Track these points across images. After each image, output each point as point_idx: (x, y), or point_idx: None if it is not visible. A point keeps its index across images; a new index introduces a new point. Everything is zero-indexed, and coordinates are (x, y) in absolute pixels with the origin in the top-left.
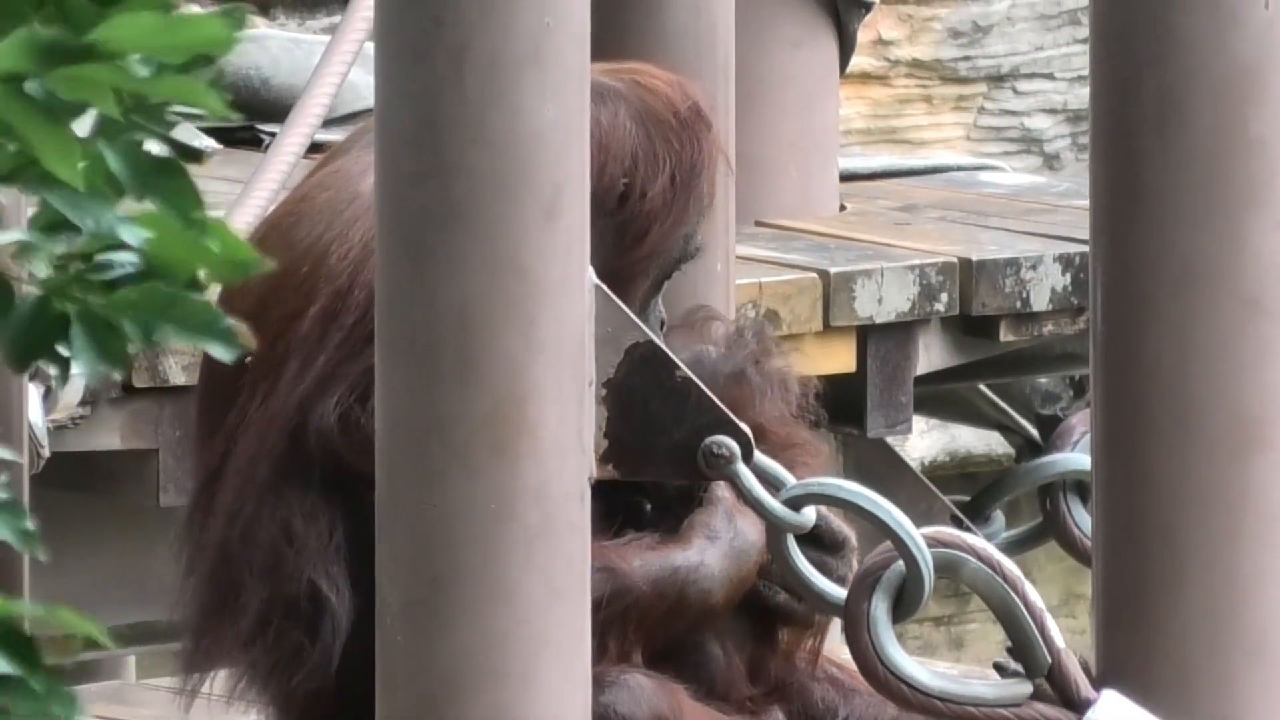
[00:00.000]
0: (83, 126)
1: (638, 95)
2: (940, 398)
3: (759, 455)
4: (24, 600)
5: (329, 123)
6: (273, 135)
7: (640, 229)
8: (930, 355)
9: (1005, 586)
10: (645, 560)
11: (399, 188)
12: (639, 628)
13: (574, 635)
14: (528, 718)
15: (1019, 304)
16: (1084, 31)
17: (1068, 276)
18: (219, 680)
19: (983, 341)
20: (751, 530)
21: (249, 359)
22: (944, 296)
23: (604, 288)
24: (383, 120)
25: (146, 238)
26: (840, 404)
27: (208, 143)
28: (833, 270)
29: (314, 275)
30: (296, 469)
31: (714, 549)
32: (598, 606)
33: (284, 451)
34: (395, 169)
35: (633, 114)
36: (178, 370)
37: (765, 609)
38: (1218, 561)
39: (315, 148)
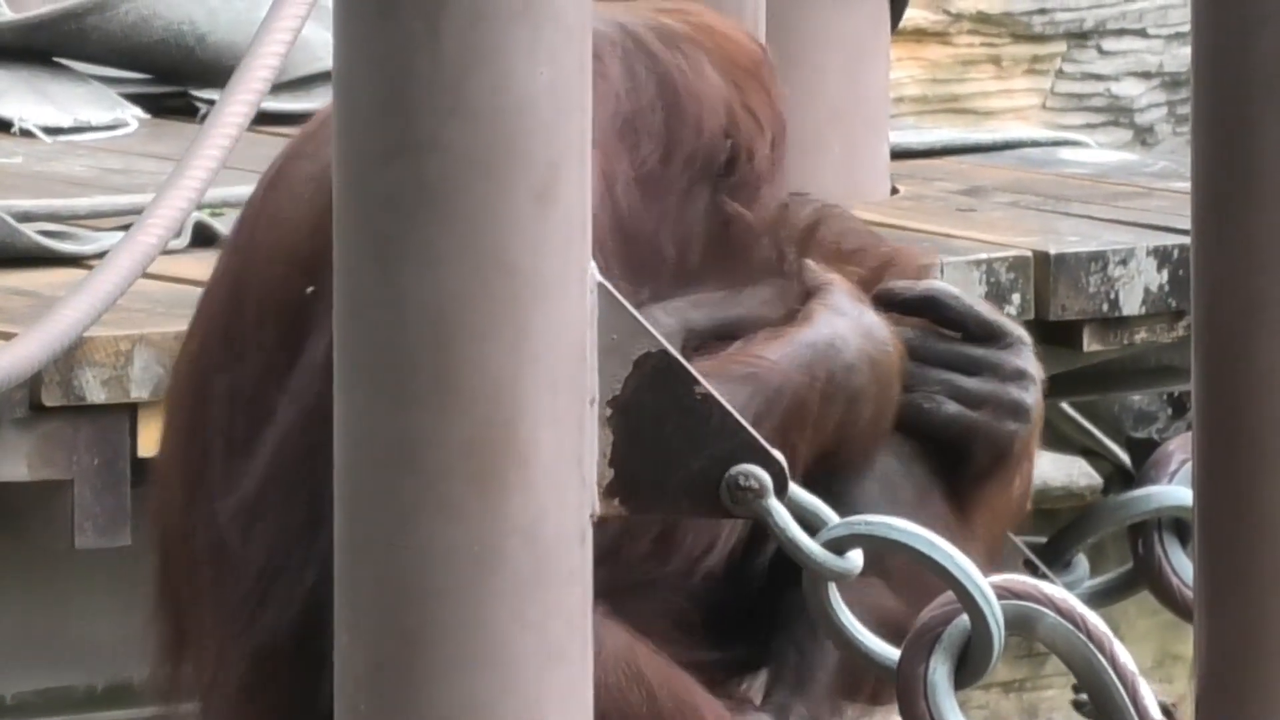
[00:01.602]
0: None
1: (714, 42)
2: None
3: (795, 489)
4: None
5: (278, 88)
6: (211, 103)
7: (749, 198)
8: None
9: (1089, 646)
10: (777, 348)
11: (362, 168)
12: (803, 429)
13: (574, 705)
14: None
15: (1106, 306)
16: None
17: (1164, 274)
18: None
19: (1063, 351)
20: (876, 314)
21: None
22: (1016, 298)
23: (608, 286)
24: (343, 87)
25: None
26: None
27: (132, 111)
28: None
29: None
30: None
31: (843, 321)
32: (757, 422)
33: None
34: (357, 146)
35: (716, 64)
36: (96, 385)
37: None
38: None
39: (263, 118)
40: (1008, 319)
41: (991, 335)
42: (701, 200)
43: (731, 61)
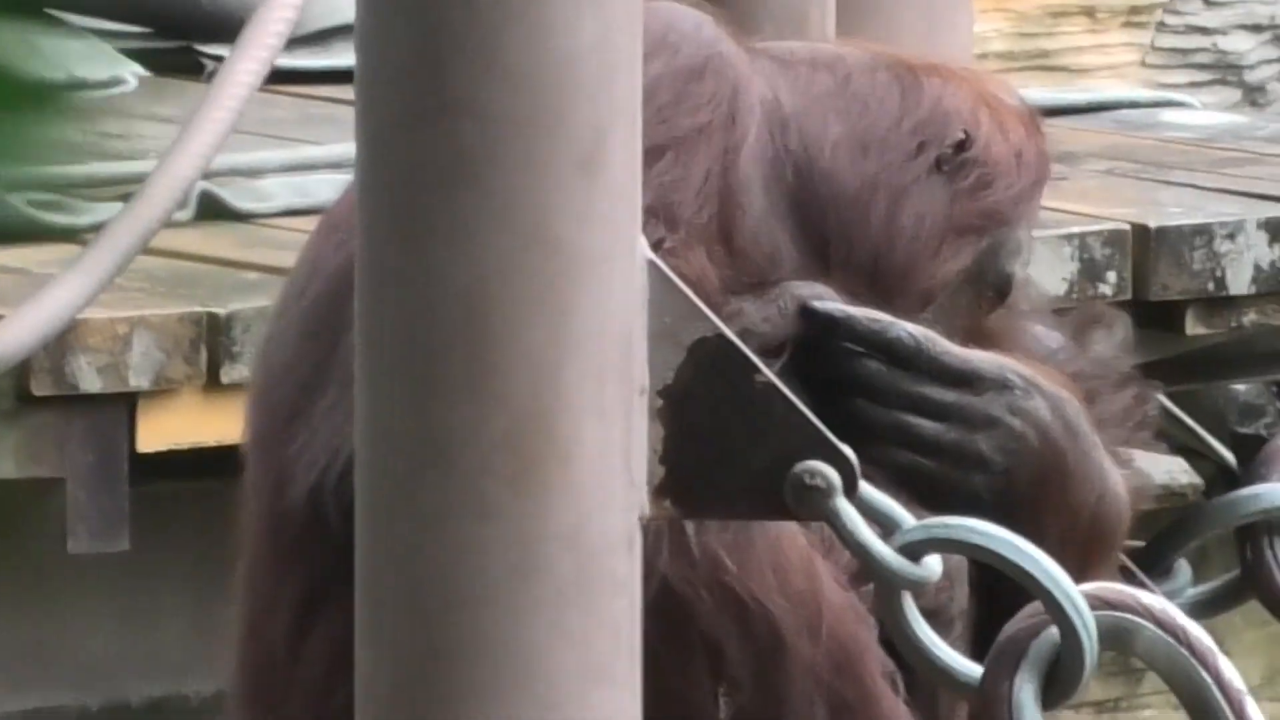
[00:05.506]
0: None
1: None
2: None
3: (865, 488)
4: None
5: (294, 43)
6: (219, 59)
7: (984, 215)
8: None
9: (1192, 661)
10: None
11: (387, 133)
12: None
13: None
14: None
15: (1212, 285)
16: None
17: (1276, 249)
18: None
19: (1163, 335)
20: None
21: None
22: (1112, 276)
23: (660, 264)
24: (365, 43)
25: None
26: None
27: (132, 68)
28: None
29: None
30: None
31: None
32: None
33: None
34: (382, 109)
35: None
36: (90, 373)
37: None
38: None
39: (277, 76)
40: (985, 360)
41: (964, 381)
42: (930, 193)
43: (988, 92)
